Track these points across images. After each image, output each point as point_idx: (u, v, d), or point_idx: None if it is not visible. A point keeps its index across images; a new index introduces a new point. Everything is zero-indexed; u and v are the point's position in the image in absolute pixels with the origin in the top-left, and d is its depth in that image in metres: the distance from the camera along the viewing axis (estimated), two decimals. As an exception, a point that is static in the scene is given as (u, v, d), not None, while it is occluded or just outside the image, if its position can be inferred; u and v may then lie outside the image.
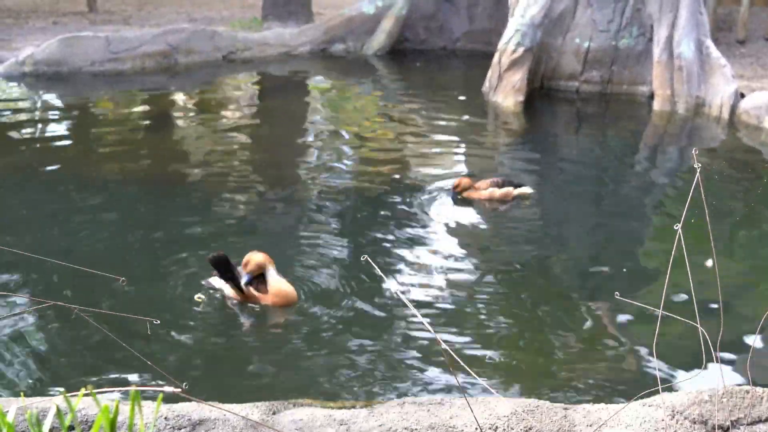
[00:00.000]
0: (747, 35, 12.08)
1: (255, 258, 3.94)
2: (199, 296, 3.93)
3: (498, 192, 5.61)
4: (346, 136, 7.94)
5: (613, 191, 6.36)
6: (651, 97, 9.39)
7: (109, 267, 3.94)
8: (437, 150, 7.40)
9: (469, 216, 5.47)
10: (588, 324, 3.92)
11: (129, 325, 3.61)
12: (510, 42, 9.34)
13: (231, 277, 3.99)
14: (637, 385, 3.32)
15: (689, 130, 8.57)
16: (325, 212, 5.46)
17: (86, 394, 1.17)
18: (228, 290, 4.04)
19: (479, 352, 3.58)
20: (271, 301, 3.92)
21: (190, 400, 2.14)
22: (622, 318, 3.98)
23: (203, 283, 4.12)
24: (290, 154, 7.20)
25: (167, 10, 17.30)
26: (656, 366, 2.93)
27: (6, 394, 3.00)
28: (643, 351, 3.61)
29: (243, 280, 3.95)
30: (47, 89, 9.60)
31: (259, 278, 3.97)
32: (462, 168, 6.63)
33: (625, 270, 4.59)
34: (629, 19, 9.58)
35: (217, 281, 4.08)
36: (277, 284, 3.93)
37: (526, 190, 5.70)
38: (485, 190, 5.64)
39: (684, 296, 3.86)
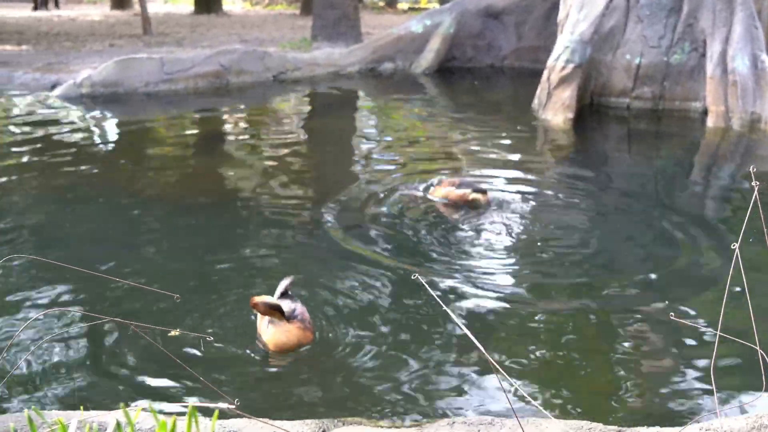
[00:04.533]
0: (804, 49, 11.78)
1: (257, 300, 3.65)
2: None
3: (453, 193, 5.12)
4: (396, 154, 7.98)
5: (666, 210, 6.24)
6: (704, 113, 9.21)
7: (162, 284, 4.03)
8: (487, 168, 7.37)
9: (517, 233, 5.43)
10: (642, 345, 3.85)
11: (183, 342, 3.68)
12: (559, 59, 9.28)
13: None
14: (693, 409, 3.24)
15: (744, 147, 8.37)
16: (375, 230, 5.48)
17: (144, 410, 1.20)
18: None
19: (531, 372, 3.54)
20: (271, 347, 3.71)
21: (242, 417, 2.16)
22: (678, 339, 3.89)
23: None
24: (340, 173, 7.26)
25: (219, 31, 17.66)
26: (714, 389, 2.86)
27: (65, 407, 3.07)
28: (701, 373, 3.52)
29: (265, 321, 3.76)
30: (104, 110, 9.87)
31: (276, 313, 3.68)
32: (509, 184, 6.58)
33: (680, 290, 4.49)
34: (681, 34, 9.44)
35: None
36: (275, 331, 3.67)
37: (479, 196, 5.11)
38: (442, 189, 5.16)
39: (742, 317, 3.75)
